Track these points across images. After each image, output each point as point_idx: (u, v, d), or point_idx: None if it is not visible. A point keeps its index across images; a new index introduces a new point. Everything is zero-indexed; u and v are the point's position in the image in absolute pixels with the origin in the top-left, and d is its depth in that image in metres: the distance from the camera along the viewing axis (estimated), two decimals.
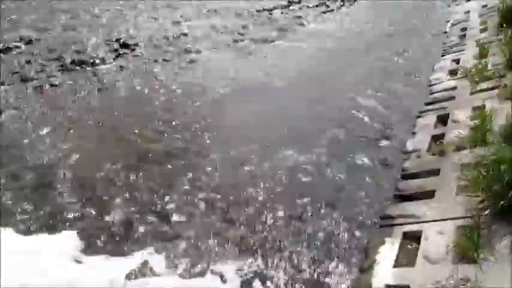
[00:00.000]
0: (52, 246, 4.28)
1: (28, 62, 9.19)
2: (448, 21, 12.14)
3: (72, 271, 3.98)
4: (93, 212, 4.77)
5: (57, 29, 11.65)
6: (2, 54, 9.62)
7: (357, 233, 4.44)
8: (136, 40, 10.70)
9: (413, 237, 3.96)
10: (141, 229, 4.53)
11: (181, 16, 13.16)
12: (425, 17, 13.45)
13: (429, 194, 4.44)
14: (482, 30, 9.52)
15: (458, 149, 4.96)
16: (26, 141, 6.22)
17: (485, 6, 11.49)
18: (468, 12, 12.01)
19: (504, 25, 8.32)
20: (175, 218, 4.68)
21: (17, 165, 5.61)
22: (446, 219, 3.92)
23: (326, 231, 4.47)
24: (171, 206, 4.87)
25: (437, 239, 3.75)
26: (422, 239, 3.84)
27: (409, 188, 4.80)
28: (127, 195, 5.04)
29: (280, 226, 4.56)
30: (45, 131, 6.49)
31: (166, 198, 4.97)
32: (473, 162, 4.25)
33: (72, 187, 5.19)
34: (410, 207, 4.43)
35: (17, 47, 10.15)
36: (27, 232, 4.48)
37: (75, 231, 4.48)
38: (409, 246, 3.93)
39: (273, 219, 4.65)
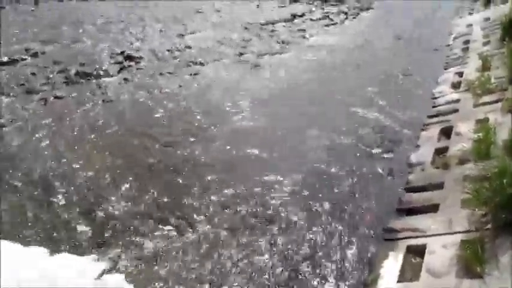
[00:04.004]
0: (51, 259, 4.30)
1: (33, 74, 9.28)
2: (451, 34, 12.17)
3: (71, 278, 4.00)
4: (95, 225, 4.78)
5: (63, 42, 11.76)
6: (8, 66, 9.70)
7: (360, 247, 4.41)
8: (140, 53, 10.79)
9: (418, 251, 3.94)
10: (143, 242, 4.54)
11: (185, 29, 13.27)
12: (428, 30, 13.49)
13: (433, 208, 4.43)
14: (485, 44, 9.55)
15: (462, 162, 4.95)
16: (29, 152, 6.26)
17: (488, 19, 11.54)
18: (471, 25, 12.05)
19: (506, 38, 8.34)
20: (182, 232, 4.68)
21: (20, 176, 5.64)
22: (450, 233, 3.90)
23: (328, 245, 4.45)
24: (175, 221, 4.87)
25: (442, 252, 3.73)
26: (426, 253, 3.82)
27: (413, 201, 4.79)
28: (130, 207, 5.05)
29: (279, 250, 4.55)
30: (49, 142, 6.53)
31: (172, 212, 4.97)
32: (476, 176, 4.24)
33: (75, 199, 5.20)
34: (415, 220, 4.41)
35: (23, 59, 10.25)
36: (27, 244, 4.48)
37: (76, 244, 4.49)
38: (413, 260, 3.91)
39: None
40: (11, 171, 5.77)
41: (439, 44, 11.67)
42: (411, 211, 4.63)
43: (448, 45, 11.25)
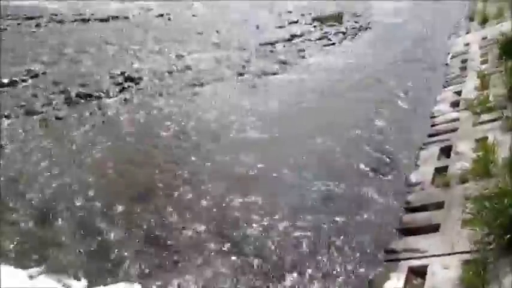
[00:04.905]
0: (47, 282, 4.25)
1: (34, 95, 9.30)
2: (449, 53, 12.27)
3: None
4: (94, 248, 4.74)
5: (64, 63, 11.81)
6: (8, 88, 9.73)
7: (361, 268, 4.37)
8: (140, 73, 10.83)
9: (419, 272, 3.91)
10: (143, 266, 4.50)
11: (185, 50, 13.34)
12: (426, 49, 13.59)
13: (434, 228, 4.41)
14: (483, 62, 9.62)
15: (462, 181, 4.95)
16: (28, 174, 6.24)
17: (485, 38, 11.64)
18: (468, 44, 12.16)
19: (504, 57, 8.41)
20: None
21: (18, 198, 5.62)
22: (451, 254, 3.87)
23: (328, 266, 4.41)
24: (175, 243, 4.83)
25: (443, 274, 3.69)
26: (428, 274, 3.79)
27: (414, 221, 4.76)
28: (129, 230, 5.02)
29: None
30: (48, 164, 6.51)
31: (171, 234, 4.93)
32: (477, 195, 4.22)
33: (74, 222, 5.17)
34: (416, 241, 4.38)
35: (24, 80, 10.28)
36: (25, 268, 4.44)
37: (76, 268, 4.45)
38: (414, 282, 3.88)
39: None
40: (9, 192, 5.74)
41: (437, 63, 11.76)
42: (412, 231, 4.61)
43: (446, 64, 11.34)
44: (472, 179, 4.85)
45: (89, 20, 17.52)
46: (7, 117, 8.18)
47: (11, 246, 4.76)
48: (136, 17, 18.46)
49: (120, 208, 5.44)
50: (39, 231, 5.00)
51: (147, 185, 6.05)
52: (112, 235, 4.95)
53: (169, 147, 7.17)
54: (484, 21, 13.96)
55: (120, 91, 9.75)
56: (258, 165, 6.49)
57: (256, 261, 4.53)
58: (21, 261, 4.53)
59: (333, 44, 14.62)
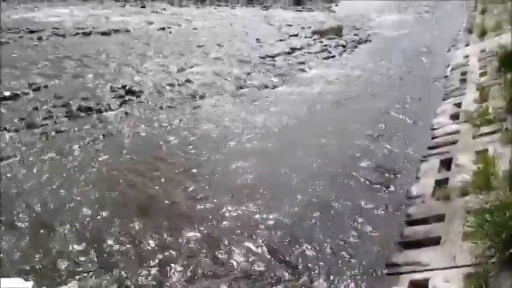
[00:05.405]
0: None
1: (36, 108, 9.33)
2: (448, 65, 12.34)
3: None
4: (95, 262, 4.73)
5: (65, 76, 11.89)
6: (10, 101, 9.77)
7: (362, 281, 4.35)
8: (141, 87, 10.89)
9: (421, 286, 3.89)
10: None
11: (186, 63, 13.44)
12: (425, 62, 13.69)
13: (435, 241, 4.39)
14: (482, 75, 9.66)
15: (463, 194, 4.93)
16: (28, 187, 6.24)
17: (484, 50, 11.71)
18: (467, 56, 12.23)
19: (503, 69, 8.45)
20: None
21: (19, 211, 5.61)
22: (453, 267, 3.86)
23: (328, 279, 4.39)
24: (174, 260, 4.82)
25: (445, 287, 3.67)
26: None
27: (415, 234, 4.75)
28: (129, 245, 5.00)
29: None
30: (48, 178, 6.51)
31: (170, 251, 4.92)
32: (478, 208, 4.21)
33: (75, 235, 5.16)
34: (417, 254, 4.36)
35: (25, 93, 10.33)
36: (25, 280, 4.41)
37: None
38: None
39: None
40: (9, 206, 5.74)
41: (436, 75, 11.83)
42: (413, 244, 4.59)
43: (446, 76, 11.39)
44: (472, 191, 4.83)
45: (90, 33, 17.71)
46: (8, 130, 8.21)
47: (11, 258, 4.74)
48: (137, 30, 18.66)
49: (121, 221, 5.42)
50: (39, 245, 4.98)
51: (149, 197, 6.04)
52: (114, 248, 4.93)
53: (170, 160, 7.17)
54: (483, 34, 14.07)
55: (121, 104, 9.80)
56: (257, 176, 6.51)
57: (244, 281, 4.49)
58: (20, 274, 4.50)
59: (333, 56, 14.75)
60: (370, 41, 17.22)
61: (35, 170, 6.76)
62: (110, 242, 5.05)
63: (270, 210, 5.61)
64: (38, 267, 4.62)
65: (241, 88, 11.10)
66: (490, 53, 10.73)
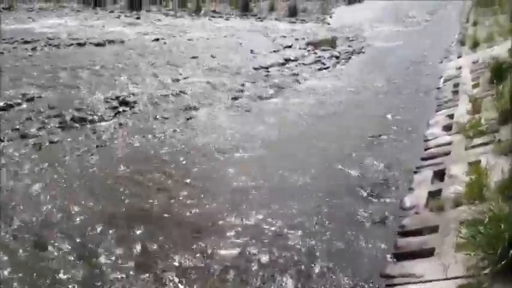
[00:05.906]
0: None
1: (29, 119, 9.29)
2: (441, 77, 12.45)
3: None
4: (87, 273, 4.69)
5: (59, 87, 11.85)
6: (3, 112, 9.71)
7: None
8: (135, 97, 10.87)
9: None
10: None
11: (180, 74, 13.45)
12: (418, 73, 13.80)
13: (429, 252, 4.40)
14: (475, 86, 9.75)
15: (456, 205, 4.96)
16: (21, 198, 6.20)
17: (476, 62, 11.83)
18: (460, 68, 12.35)
19: (495, 81, 8.54)
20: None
21: (11, 222, 5.56)
22: (446, 279, 3.86)
23: None
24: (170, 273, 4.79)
25: None
26: None
27: (408, 245, 4.75)
28: (122, 256, 4.97)
29: None
30: (41, 188, 6.48)
31: (166, 264, 4.89)
32: (471, 220, 4.23)
33: (67, 246, 5.12)
34: (411, 265, 4.36)
35: (18, 104, 10.28)
36: None
37: None
38: None
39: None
40: (1, 217, 5.69)
41: (429, 86, 11.92)
42: (407, 256, 4.60)
43: (439, 88, 11.49)
44: (465, 202, 4.86)
45: (85, 44, 17.68)
46: (1, 140, 8.16)
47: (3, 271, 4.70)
48: (132, 41, 18.65)
49: (115, 232, 5.39)
50: (31, 256, 4.94)
51: (142, 207, 6.02)
52: (107, 260, 4.89)
53: (164, 171, 7.15)
54: (475, 46, 14.23)
55: (115, 115, 9.77)
56: (250, 185, 6.53)
57: None
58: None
59: (327, 68, 14.81)
60: (363, 52, 17.33)
61: (27, 181, 6.72)
62: (103, 253, 5.01)
63: (260, 222, 5.60)
64: (25, 278, 4.58)
65: (235, 99, 11.11)
66: (483, 65, 10.84)
